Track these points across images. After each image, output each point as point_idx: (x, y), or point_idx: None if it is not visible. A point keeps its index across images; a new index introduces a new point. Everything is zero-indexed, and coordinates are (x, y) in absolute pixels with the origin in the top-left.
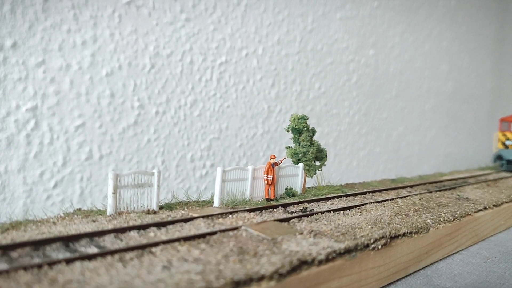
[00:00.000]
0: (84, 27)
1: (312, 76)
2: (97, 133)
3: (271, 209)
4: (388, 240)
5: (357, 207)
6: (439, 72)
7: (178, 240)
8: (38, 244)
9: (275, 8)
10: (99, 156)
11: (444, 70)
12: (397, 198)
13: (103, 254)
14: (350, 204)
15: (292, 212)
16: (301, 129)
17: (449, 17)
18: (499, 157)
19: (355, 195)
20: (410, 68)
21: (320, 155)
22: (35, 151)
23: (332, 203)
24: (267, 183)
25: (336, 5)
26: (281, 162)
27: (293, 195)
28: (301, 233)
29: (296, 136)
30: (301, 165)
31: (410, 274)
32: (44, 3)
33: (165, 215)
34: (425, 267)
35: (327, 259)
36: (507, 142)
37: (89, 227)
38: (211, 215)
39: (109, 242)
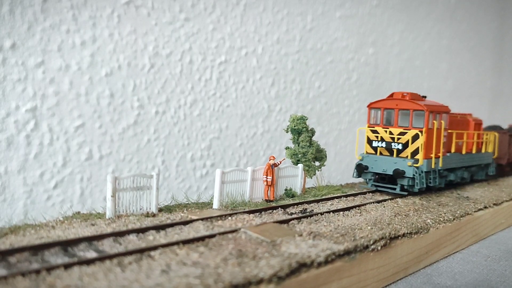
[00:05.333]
0: (83, 27)
1: (312, 75)
2: (97, 134)
3: (270, 211)
4: (388, 241)
5: (357, 208)
6: (439, 71)
7: (177, 243)
8: (36, 249)
9: (274, 7)
10: (99, 157)
11: (444, 68)
12: (397, 198)
13: (102, 258)
14: (350, 205)
15: (291, 213)
16: (300, 130)
17: (448, 15)
18: (360, 167)
19: (355, 195)
20: (410, 66)
21: (320, 156)
22: (35, 151)
23: (332, 204)
24: (267, 184)
25: (336, 4)
26: (280, 163)
27: (293, 196)
28: (301, 235)
29: (296, 137)
30: (300, 165)
31: (410, 274)
32: (43, 3)
33: (164, 218)
34: (425, 267)
35: (326, 261)
36: (375, 144)
37: (88, 231)
38: (210, 218)
39: (108, 246)
